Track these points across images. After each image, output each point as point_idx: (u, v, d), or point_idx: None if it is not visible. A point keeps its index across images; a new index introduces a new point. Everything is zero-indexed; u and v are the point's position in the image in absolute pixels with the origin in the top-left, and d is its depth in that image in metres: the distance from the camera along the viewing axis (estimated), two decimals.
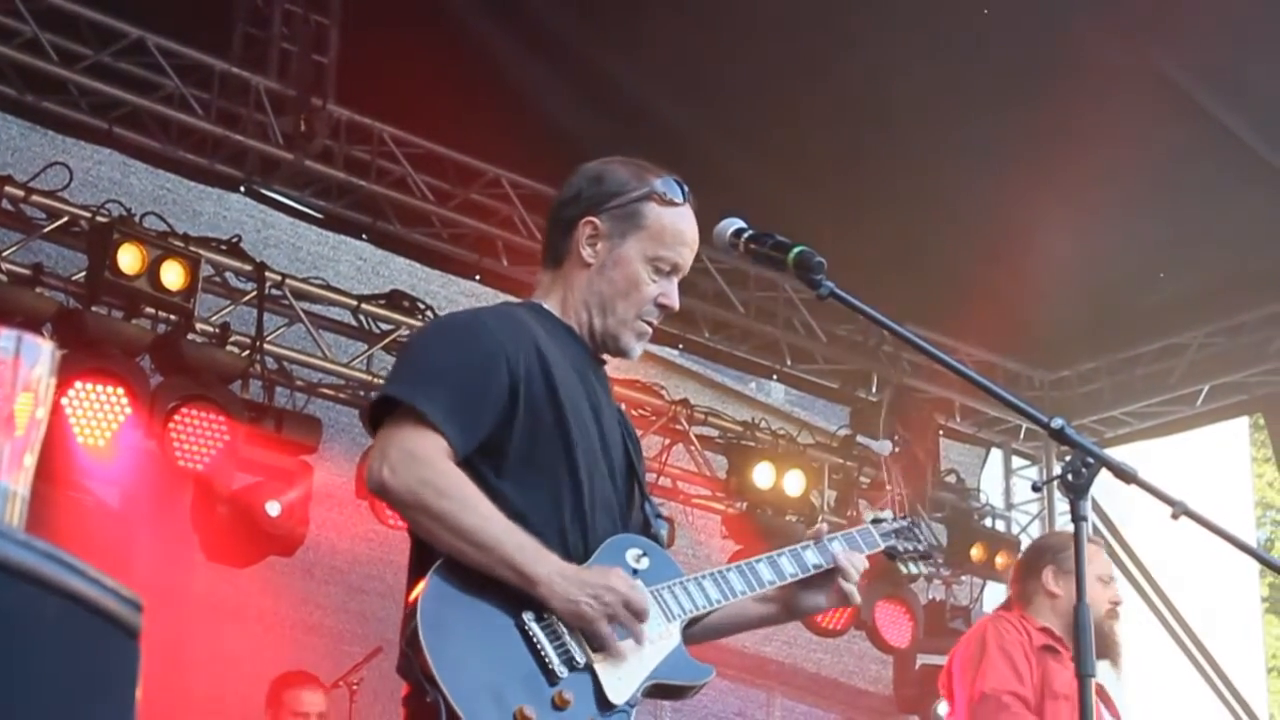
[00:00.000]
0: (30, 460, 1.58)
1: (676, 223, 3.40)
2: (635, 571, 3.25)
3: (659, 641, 3.22)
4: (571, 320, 3.40)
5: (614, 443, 3.41)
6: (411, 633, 2.99)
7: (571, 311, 3.41)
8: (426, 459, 3.07)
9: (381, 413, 3.18)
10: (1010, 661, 5.09)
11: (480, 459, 3.17)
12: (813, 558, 3.52)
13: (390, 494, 3.09)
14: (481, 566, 3.05)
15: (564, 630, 3.09)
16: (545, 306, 3.42)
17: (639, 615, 3.13)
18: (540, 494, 3.20)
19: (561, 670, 3.06)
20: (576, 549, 3.20)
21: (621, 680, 3.13)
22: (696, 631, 3.40)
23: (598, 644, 3.11)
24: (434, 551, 3.10)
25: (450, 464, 3.09)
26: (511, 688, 3.00)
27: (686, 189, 3.45)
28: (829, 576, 3.52)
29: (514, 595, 3.07)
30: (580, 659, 3.09)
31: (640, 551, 3.31)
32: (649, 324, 3.42)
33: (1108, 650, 5.12)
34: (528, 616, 3.07)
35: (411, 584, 3.14)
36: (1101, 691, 5.06)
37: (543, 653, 3.06)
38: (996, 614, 5.50)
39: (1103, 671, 5.12)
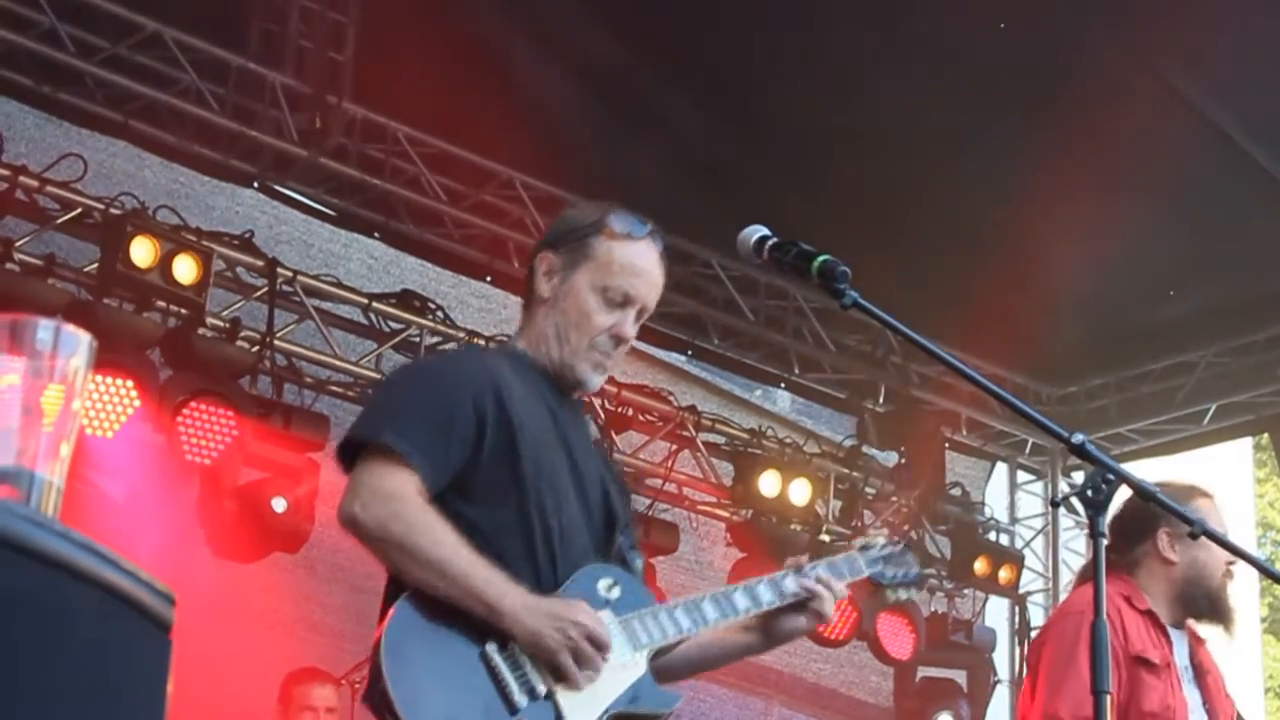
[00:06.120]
0: (66, 451, 1.58)
1: (626, 254, 3.43)
2: (606, 601, 3.27)
3: (623, 671, 3.23)
4: (540, 357, 3.44)
5: (589, 476, 3.42)
6: (376, 663, 3.04)
7: (535, 347, 3.45)
8: (396, 494, 3.13)
9: (353, 453, 3.23)
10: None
11: (451, 492, 3.21)
12: (791, 586, 3.51)
13: (360, 528, 3.14)
14: (449, 599, 3.10)
15: (525, 661, 3.12)
16: (519, 348, 3.48)
17: (601, 648, 3.16)
18: (509, 526, 3.24)
19: (521, 700, 3.09)
20: (547, 579, 3.23)
21: (583, 710, 3.16)
22: (676, 665, 3.41)
23: (559, 675, 3.14)
24: (405, 585, 3.15)
25: (420, 499, 3.14)
26: (471, 717, 3.04)
27: (650, 226, 3.49)
28: (807, 601, 3.51)
29: (479, 626, 3.11)
30: (541, 689, 3.12)
31: (611, 581, 3.32)
32: (605, 355, 3.44)
33: (1223, 615, 4.69)
34: (491, 647, 3.11)
35: (384, 616, 3.17)
36: (1207, 658, 4.72)
37: (504, 682, 3.09)
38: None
39: (1216, 636, 4.75)
